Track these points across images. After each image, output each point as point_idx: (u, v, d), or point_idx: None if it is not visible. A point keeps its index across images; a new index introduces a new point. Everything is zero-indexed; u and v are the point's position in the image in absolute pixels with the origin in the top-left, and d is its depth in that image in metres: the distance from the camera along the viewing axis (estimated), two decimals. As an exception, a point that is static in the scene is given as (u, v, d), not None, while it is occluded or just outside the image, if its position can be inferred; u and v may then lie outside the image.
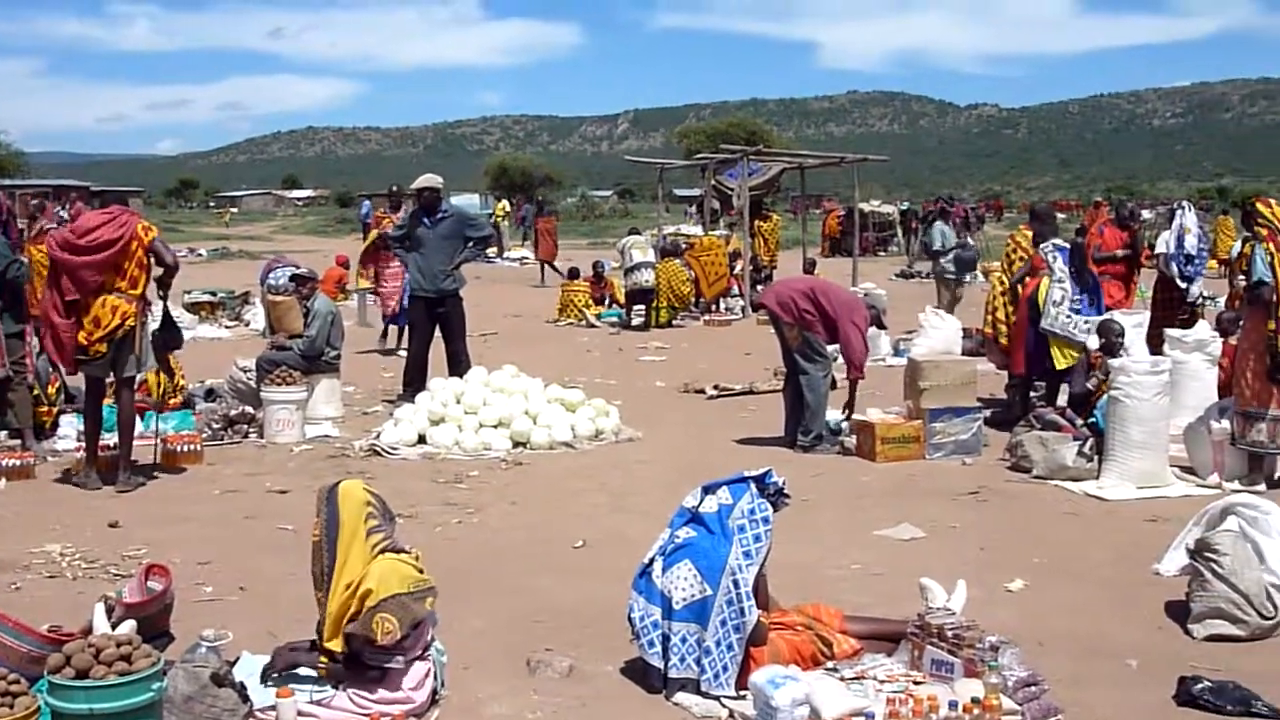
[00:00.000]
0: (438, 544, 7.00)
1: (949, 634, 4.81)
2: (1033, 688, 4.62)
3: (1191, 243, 12.95)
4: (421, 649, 4.71)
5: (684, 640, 4.82)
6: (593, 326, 19.30)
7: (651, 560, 5.04)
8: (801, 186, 28.70)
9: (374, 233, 16.68)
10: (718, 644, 4.76)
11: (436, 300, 11.48)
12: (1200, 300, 13.33)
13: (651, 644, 4.90)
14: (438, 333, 11.61)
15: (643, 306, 19.21)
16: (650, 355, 15.95)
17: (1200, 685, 4.80)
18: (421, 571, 4.70)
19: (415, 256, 11.56)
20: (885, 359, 15.10)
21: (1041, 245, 11.09)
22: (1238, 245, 12.76)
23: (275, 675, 4.68)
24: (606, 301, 20.65)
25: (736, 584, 4.77)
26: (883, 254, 38.25)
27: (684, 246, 20.93)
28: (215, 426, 10.29)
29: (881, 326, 11.41)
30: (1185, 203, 14.23)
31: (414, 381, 11.29)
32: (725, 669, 4.75)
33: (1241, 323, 9.17)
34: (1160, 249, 13.17)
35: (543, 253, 28.30)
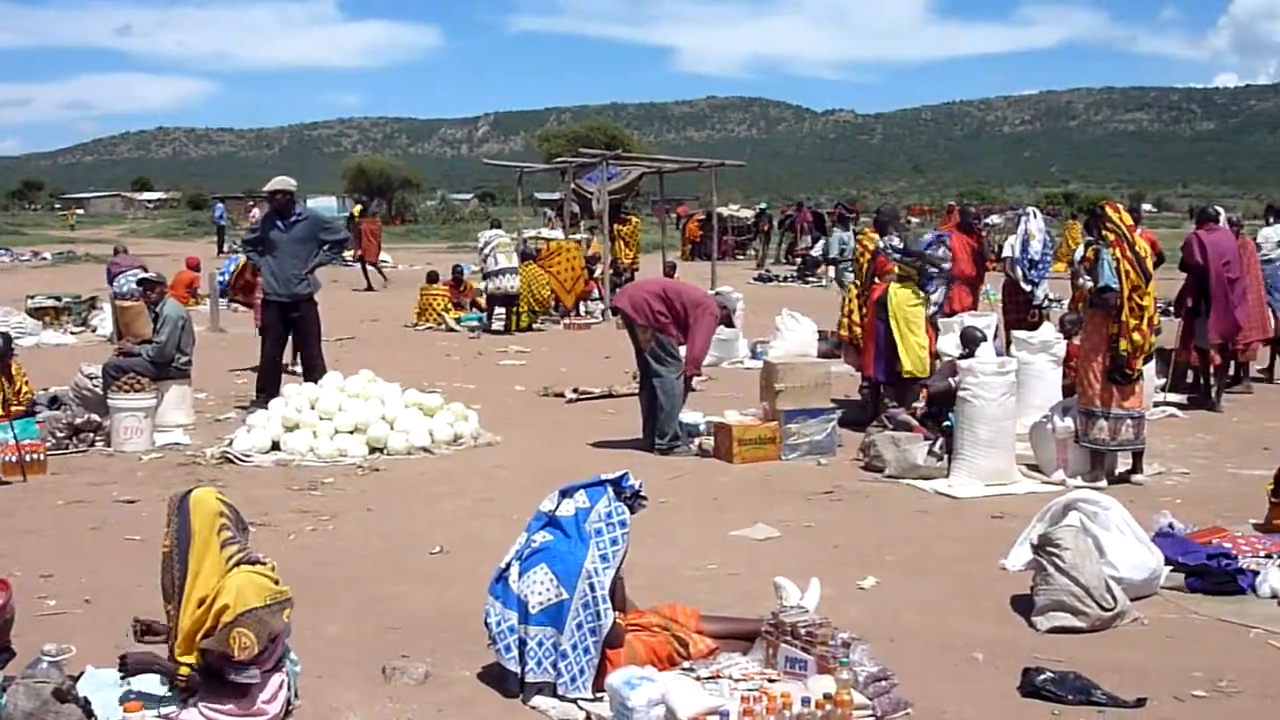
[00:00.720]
0: (292, 552, 6.90)
1: (802, 632, 4.88)
2: (883, 682, 4.72)
3: (1036, 248, 13.35)
4: (276, 660, 4.63)
5: (540, 644, 4.82)
6: (452, 331, 19.18)
7: (508, 565, 5.02)
8: (660, 191, 28.89)
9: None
10: (574, 647, 4.77)
11: (290, 304, 11.31)
12: (1046, 303, 13.73)
13: (508, 648, 4.89)
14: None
15: (503, 310, 19.14)
16: (510, 359, 15.91)
17: (1043, 676, 4.96)
18: (277, 583, 4.62)
19: (268, 260, 11.37)
20: (743, 361, 15.31)
21: (880, 246, 11.27)
22: (1081, 249, 13.18)
23: (127, 672, 4.53)
24: (466, 305, 20.53)
25: (593, 587, 4.78)
26: (741, 257, 38.66)
27: (535, 252, 20.84)
28: (59, 435, 9.98)
29: (730, 325, 11.49)
30: (1030, 209, 14.65)
31: (267, 387, 11.10)
32: (582, 672, 4.76)
33: (1084, 325, 9.48)
34: (1006, 253, 13.55)
35: (367, 254, 27.86)
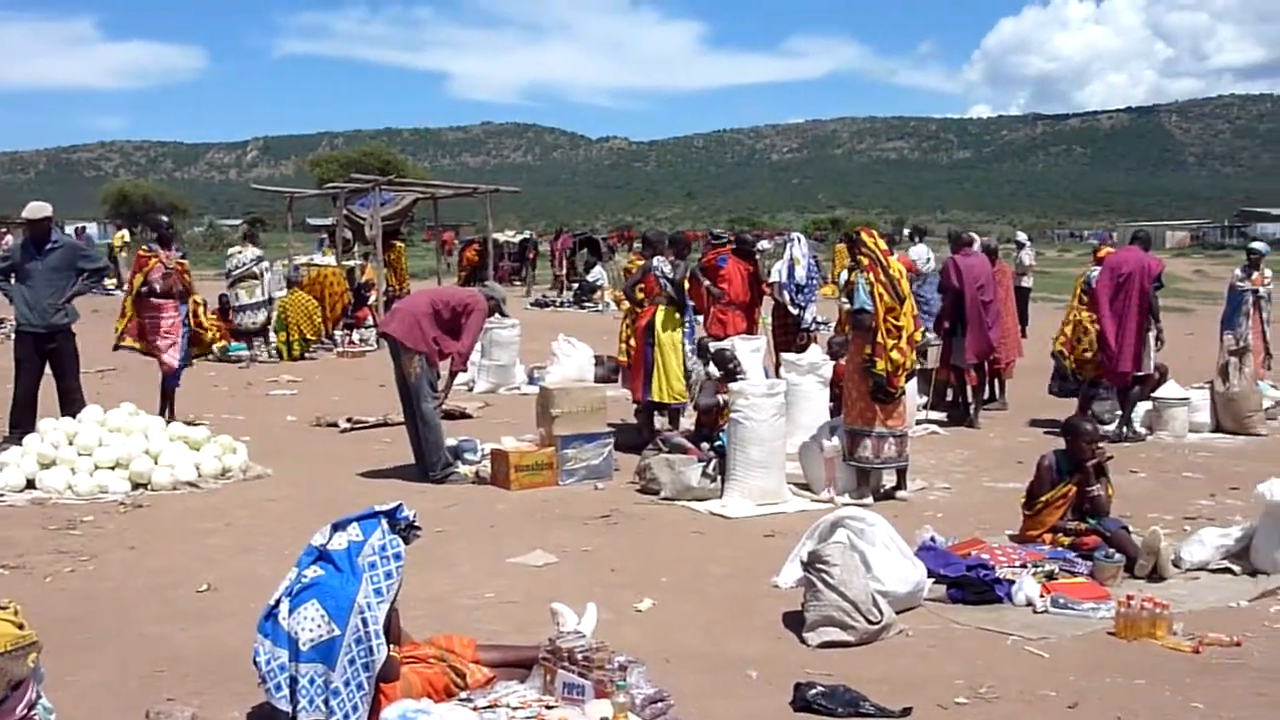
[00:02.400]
0: (49, 595, 6.59)
1: (579, 657, 4.89)
2: (659, 704, 4.77)
3: (801, 273, 13.72)
4: (26, 708, 4.39)
5: (312, 681, 4.69)
6: (220, 361, 18.59)
7: (278, 601, 4.89)
8: (435, 216, 28.67)
9: (138, 277, 12.09)
10: (346, 684, 4.66)
11: (46, 335, 10.79)
12: (813, 325, 14.11)
13: (279, 687, 4.75)
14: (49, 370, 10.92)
15: (259, 340, 18.74)
16: (281, 389, 15.51)
17: (814, 690, 5.08)
18: (22, 627, 4.39)
19: (22, 289, 10.83)
20: (519, 387, 15.28)
21: (649, 268, 11.35)
22: (845, 273, 13.61)
23: None
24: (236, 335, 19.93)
25: (365, 622, 4.68)
26: (518, 283, 38.64)
27: (300, 280, 20.41)
28: None
29: (504, 314, 11.37)
30: (796, 235, 15.05)
31: (21, 423, 10.56)
32: (355, 708, 4.65)
33: (847, 346, 9.79)
34: (774, 279, 13.87)
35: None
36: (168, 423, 10.65)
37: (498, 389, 15.17)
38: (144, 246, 12.66)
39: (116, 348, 12.30)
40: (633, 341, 11.73)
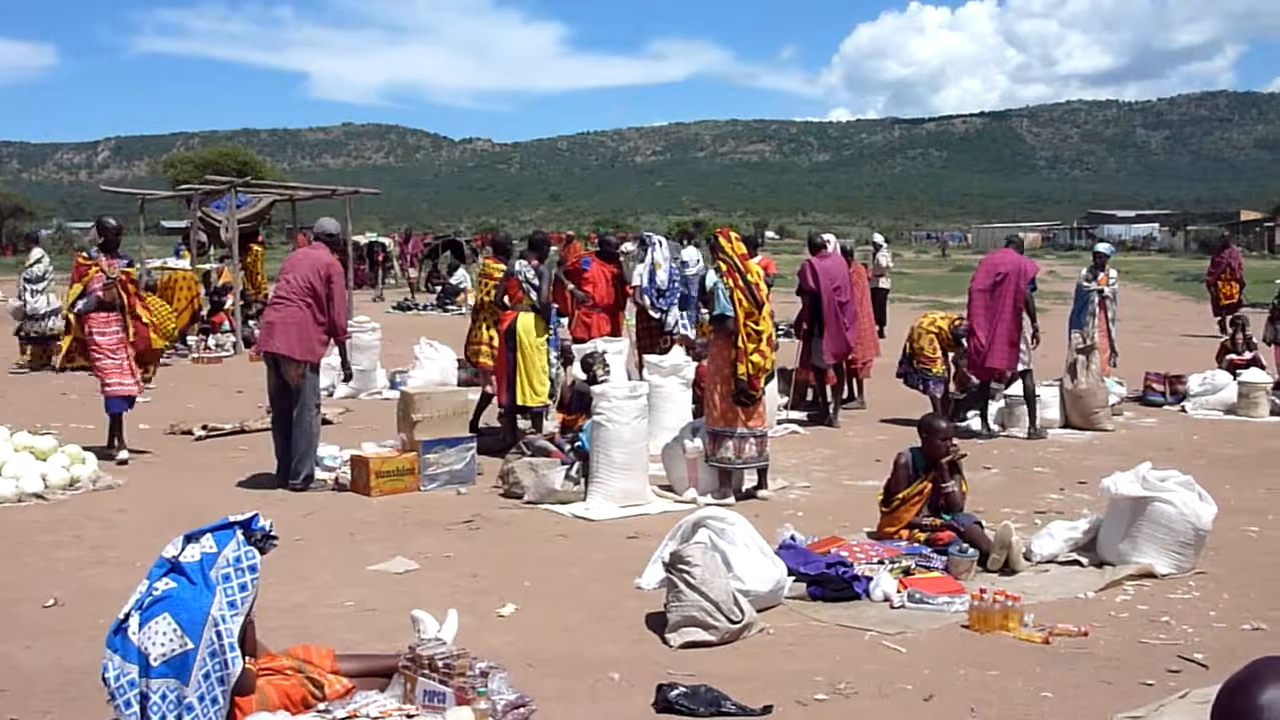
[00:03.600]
0: (-118, 615, 6.32)
1: (440, 664, 4.84)
2: (521, 709, 4.75)
3: (662, 276, 13.76)
4: None
5: (164, 697, 4.57)
6: (70, 370, 18.00)
7: (127, 615, 4.75)
8: (294, 219, 28.17)
9: (75, 288, 11.03)
10: (200, 699, 4.55)
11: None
12: (675, 328, 14.15)
13: (129, 704, 4.61)
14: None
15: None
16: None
17: (676, 691, 5.10)
18: None
19: None
20: (381, 392, 15.13)
21: (511, 271, 11.27)
22: (710, 277, 13.71)
23: None
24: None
25: (220, 635, 4.58)
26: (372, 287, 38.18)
27: (154, 284, 19.88)
28: None
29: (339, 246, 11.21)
30: (657, 238, 15.08)
31: None
32: (210, 723, 4.55)
33: (708, 349, 9.87)
34: (635, 282, 13.91)
35: None
36: (117, 452, 10.54)
37: (358, 394, 14.98)
38: (83, 253, 11.42)
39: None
40: (496, 344, 11.67)
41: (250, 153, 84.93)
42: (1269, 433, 12.87)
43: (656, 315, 13.76)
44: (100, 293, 10.73)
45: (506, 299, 11.10)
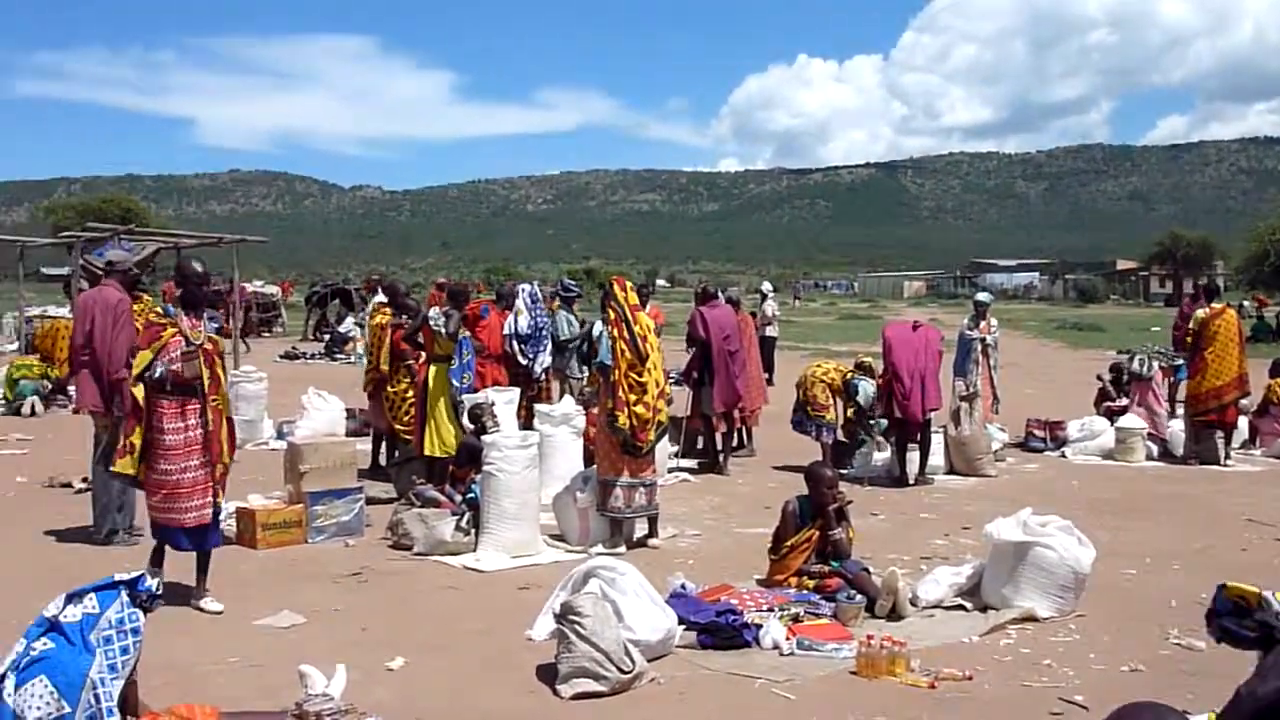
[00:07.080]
0: None
1: (326, 719, 4.79)
2: (410, 765, 4.71)
3: (524, 322, 13.76)
4: None
5: (40, 761, 4.46)
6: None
7: (2, 676, 4.62)
8: (179, 267, 27.71)
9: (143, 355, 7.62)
10: (78, 761, 4.44)
11: None
12: (542, 375, 14.07)
13: (4, 768, 4.50)
14: None
15: None
16: (10, 448, 14.71)
17: (566, 743, 5.09)
18: None
19: None
20: (268, 442, 14.90)
21: (425, 318, 11.23)
22: (598, 325, 13.77)
23: None
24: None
25: (98, 698, 4.48)
26: (267, 334, 37.73)
27: (31, 334, 19.51)
28: None
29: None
30: (524, 285, 15.02)
31: None
32: (88, 786, 4.44)
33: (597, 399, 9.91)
34: (506, 330, 13.84)
35: None
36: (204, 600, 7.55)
37: (244, 444, 14.72)
38: (156, 308, 8.73)
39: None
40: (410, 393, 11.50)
41: (134, 199, 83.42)
42: (1145, 477, 13.24)
43: (524, 362, 13.76)
44: (179, 366, 7.51)
45: (422, 346, 10.98)
